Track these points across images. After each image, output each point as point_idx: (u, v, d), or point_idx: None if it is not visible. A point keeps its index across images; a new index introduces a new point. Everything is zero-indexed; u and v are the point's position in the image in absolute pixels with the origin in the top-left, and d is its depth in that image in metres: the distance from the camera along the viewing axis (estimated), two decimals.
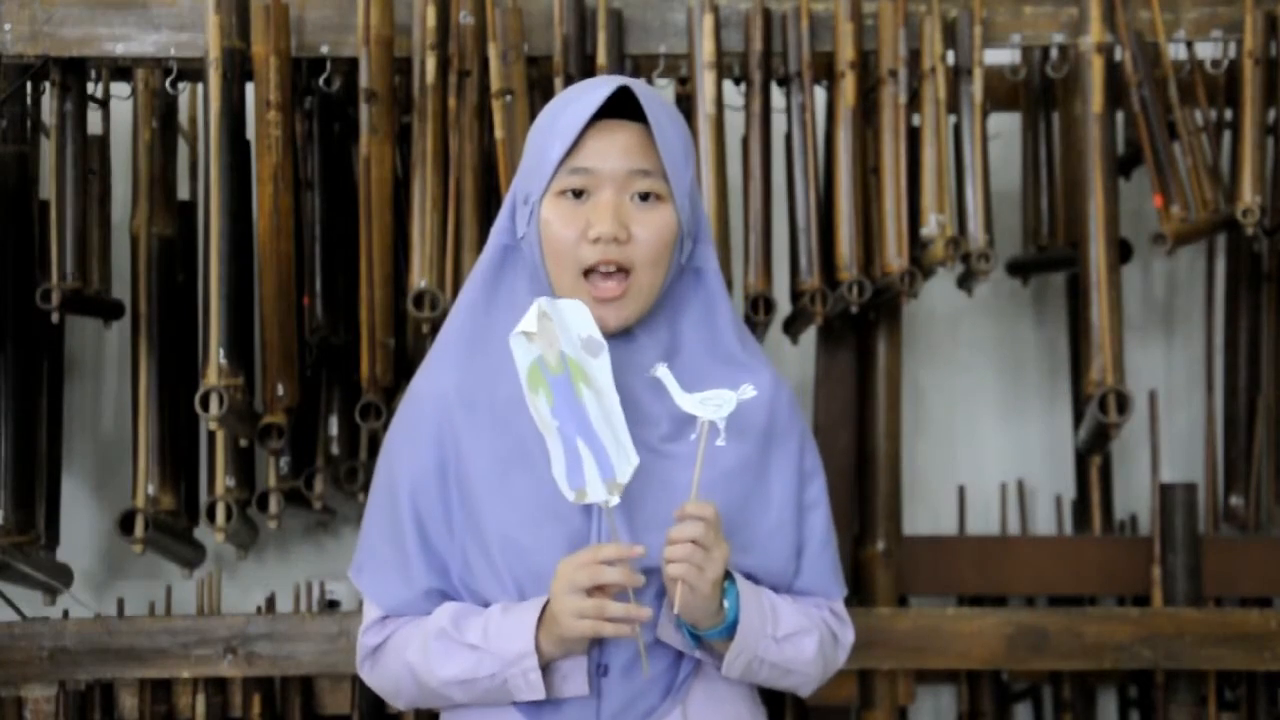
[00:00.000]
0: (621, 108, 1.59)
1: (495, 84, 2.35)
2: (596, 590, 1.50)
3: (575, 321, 1.54)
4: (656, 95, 1.62)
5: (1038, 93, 2.82)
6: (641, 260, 1.59)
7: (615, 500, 1.53)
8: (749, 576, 1.63)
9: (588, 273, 1.59)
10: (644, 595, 1.56)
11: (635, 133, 1.59)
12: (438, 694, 1.61)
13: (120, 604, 2.50)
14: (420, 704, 1.68)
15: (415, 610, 1.64)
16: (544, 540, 1.57)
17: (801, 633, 1.62)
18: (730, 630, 1.57)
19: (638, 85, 1.59)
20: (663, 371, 1.56)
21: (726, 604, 1.56)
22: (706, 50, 2.42)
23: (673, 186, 1.59)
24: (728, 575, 1.57)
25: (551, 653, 1.55)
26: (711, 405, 1.54)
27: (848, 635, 1.73)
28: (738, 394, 1.55)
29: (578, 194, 1.59)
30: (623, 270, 1.59)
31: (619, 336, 1.62)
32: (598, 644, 1.58)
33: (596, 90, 1.59)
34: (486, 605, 1.60)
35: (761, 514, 1.64)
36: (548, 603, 1.54)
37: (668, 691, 1.61)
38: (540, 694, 1.55)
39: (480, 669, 1.56)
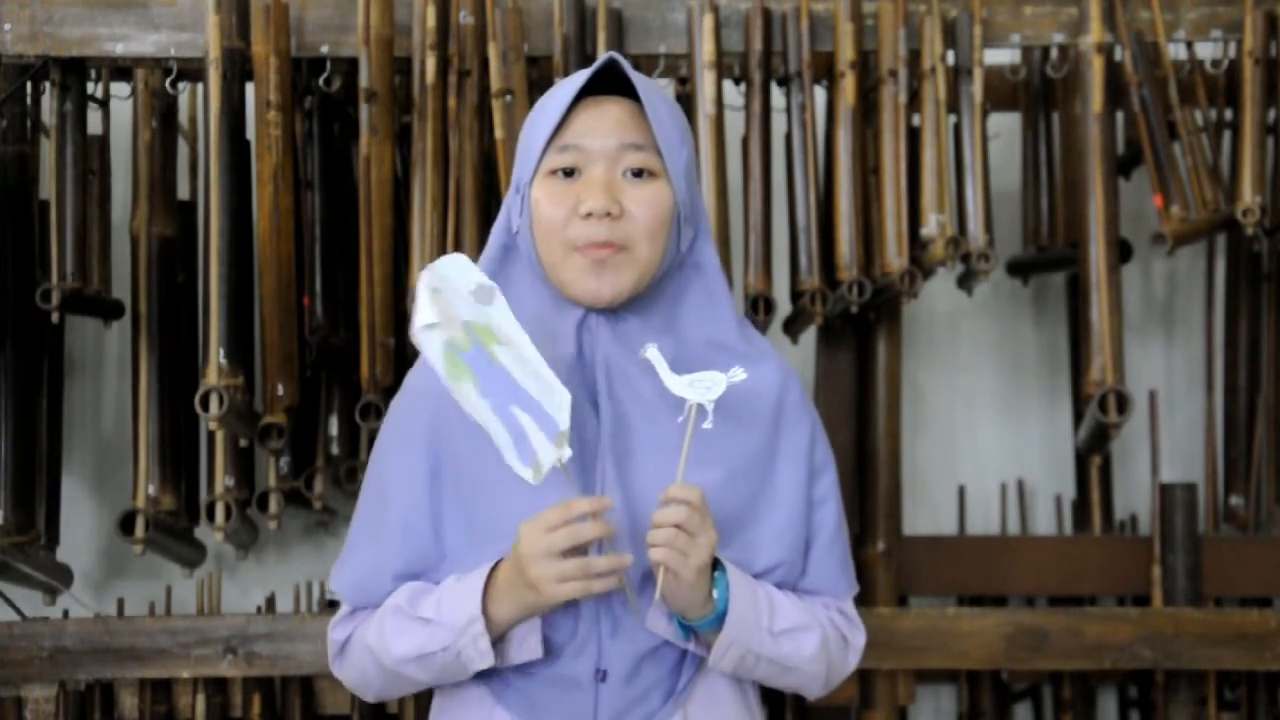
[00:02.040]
0: (612, 89, 1.57)
1: (495, 84, 2.35)
2: (571, 550, 1.46)
3: (457, 275, 1.48)
4: (648, 78, 1.59)
5: (1038, 93, 2.82)
6: (638, 236, 1.54)
7: (567, 453, 1.47)
8: (759, 578, 1.60)
9: (578, 250, 1.55)
10: (637, 586, 1.53)
11: (625, 108, 1.56)
12: (398, 674, 1.57)
13: (120, 604, 2.50)
14: (387, 692, 1.64)
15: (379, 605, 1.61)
16: None
17: (801, 629, 1.58)
18: (720, 621, 1.52)
19: (626, 63, 1.57)
20: (652, 353, 1.51)
21: (716, 594, 1.52)
22: (706, 50, 2.42)
23: (667, 163, 1.55)
24: (718, 564, 1.53)
25: (508, 617, 1.51)
26: (701, 387, 1.50)
27: (858, 638, 1.69)
28: (728, 376, 1.50)
29: (568, 173, 1.55)
30: (616, 247, 1.54)
31: (614, 322, 1.58)
32: (596, 649, 1.55)
33: (585, 71, 1.57)
34: None
35: (771, 511, 1.61)
36: (494, 569, 1.50)
37: (668, 696, 1.58)
38: (490, 661, 1.50)
39: (433, 642, 1.52)
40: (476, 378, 1.48)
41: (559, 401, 1.47)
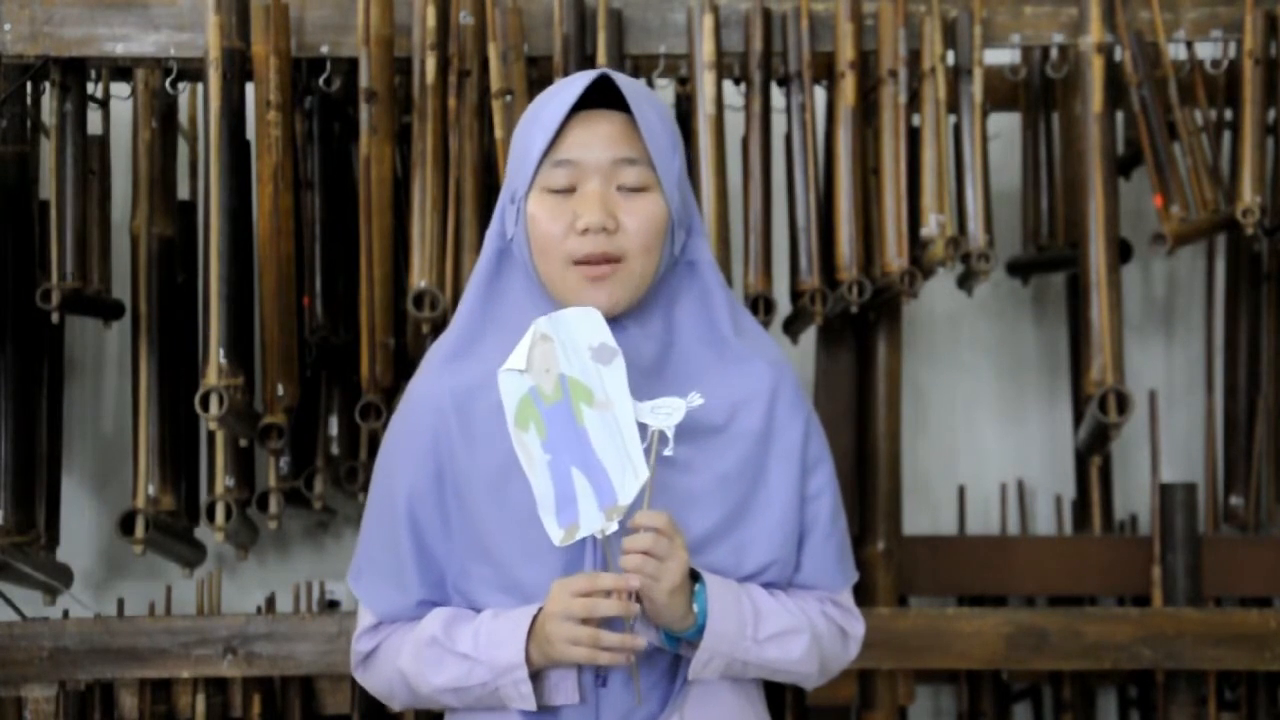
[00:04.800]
0: (604, 100, 1.58)
1: (495, 84, 2.35)
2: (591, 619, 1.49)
3: (584, 330, 1.51)
4: (639, 85, 1.61)
5: (1038, 93, 2.82)
6: (633, 249, 1.56)
7: (613, 527, 1.50)
8: (752, 578, 1.61)
9: (576, 263, 1.56)
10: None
11: (618, 122, 1.57)
12: (431, 700, 1.61)
13: (120, 604, 2.50)
14: (414, 706, 1.68)
15: (408, 618, 1.63)
16: (540, 552, 1.55)
17: (788, 632, 1.60)
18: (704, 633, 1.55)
19: (619, 75, 1.58)
20: None
21: (696, 607, 1.54)
22: (706, 50, 2.42)
23: (660, 175, 1.57)
24: (698, 578, 1.55)
25: (543, 664, 1.54)
26: (662, 414, 1.52)
27: (856, 628, 1.70)
28: (686, 402, 1.52)
29: (563, 188, 1.57)
30: (612, 260, 1.56)
31: (612, 329, 1.58)
32: None
33: (577, 82, 1.58)
34: (479, 611, 1.59)
35: (764, 513, 1.61)
36: (538, 612, 1.54)
37: (666, 699, 1.59)
38: (531, 705, 1.54)
39: (472, 677, 1.55)
40: (546, 430, 1.51)
41: (633, 478, 1.50)
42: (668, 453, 1.52)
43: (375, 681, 1.68)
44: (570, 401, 1.51)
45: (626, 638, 1.49)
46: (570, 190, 1.57)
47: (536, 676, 1.55)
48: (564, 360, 1.51)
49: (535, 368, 1.51)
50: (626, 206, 1.56)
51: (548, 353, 1.50)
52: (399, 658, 1.61)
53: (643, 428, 1.52)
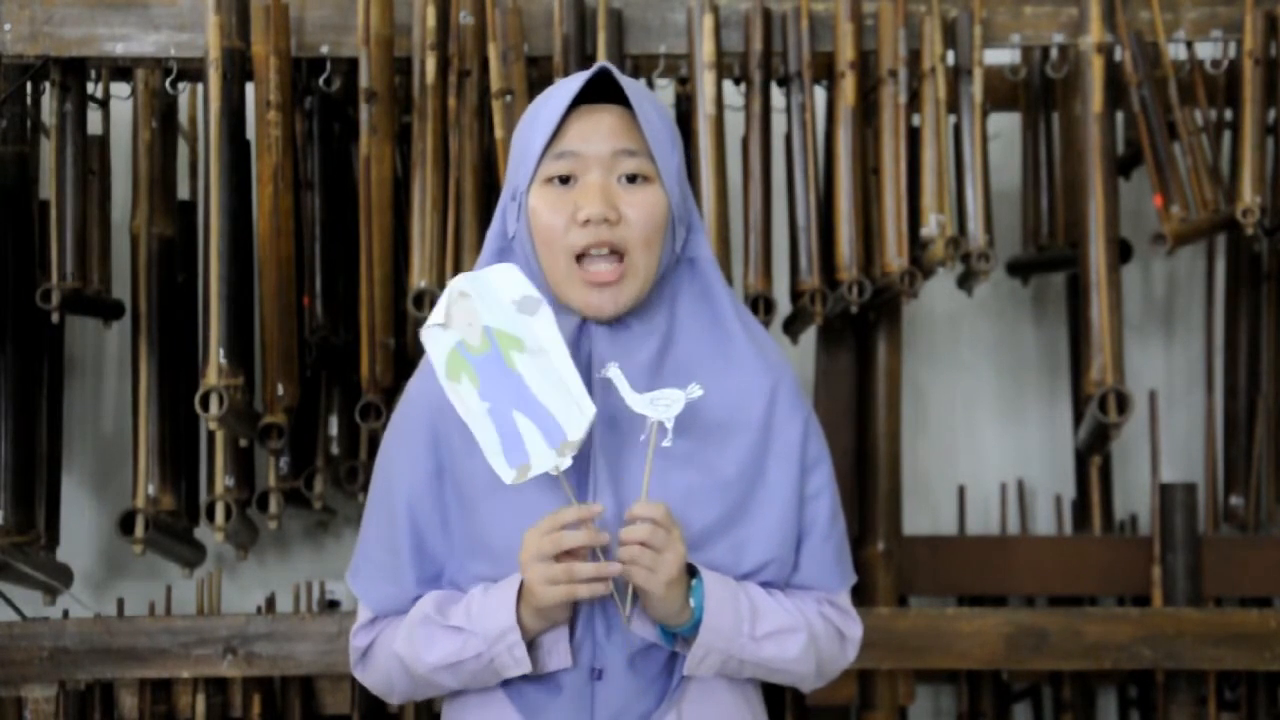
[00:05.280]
0: (603, 96, 1.59)
1: (495, 84, 2.36)
2: (564, 555, 1.49)
3: (504, 286, 1.52)
4: (637, 82, 1.61)
5: (1038, 93, 2.82)
6: (634, 240, 1.56)
7: (566, 463, 1.51)
8: (749, 576, 1.62)
9: (580, 258, 1.57)
10: (625, 593, 1.55)
11: (618, 115, 1.58)
12: (427, 681, 1.60)
13: (120, 604, 2.50)
14: (413, 695, 1.67)
15: (404, 612, 1.63)
16: None
17: (786, 631, 1.59)
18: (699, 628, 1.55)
19: (617, 70, 1.59)
20: (614, 372, 1.54)
21: (693, 602, 1.54)
22: (706, 50, 2.42)
23: (659, 167, 1.58)
24: (695, 572, 1.55)
25: (535, 627, 1.54)
26: (661, 405, 1.52)
27: (854, 630, 1.70)
28: (685, 393, 1.53)
29: (564, 180, 1.57)
30: (616, 253, 1.57)
31: (614, 328, 1.60)
32: (591, 648, 1.57)
33: (577, 77, 1.59)
34: None
35: (763, 511, 1.61)
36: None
37: (663, 694, 1.59)
38: (527, 668, 1.54)
39: (466, 650, 1.55)
40: (479, 379, 1.52)
41: (579, 414, 1.50)
42: (666, 443, 1.53)
43: (374, 676, 1.68)
44: (499, 350, 1.52)
45: (600, 565, 1.49)
46: (572, 183, 1.57)
47: (530, 646, 1.54)
48: (486, 314, 1.52)
49: (457, 323, 1.51)
50: (627, 198, 1.57)
51: (467, 308, 1.51)
52: (394, 643, 1.61)
53: (642, 419, 1.53)
